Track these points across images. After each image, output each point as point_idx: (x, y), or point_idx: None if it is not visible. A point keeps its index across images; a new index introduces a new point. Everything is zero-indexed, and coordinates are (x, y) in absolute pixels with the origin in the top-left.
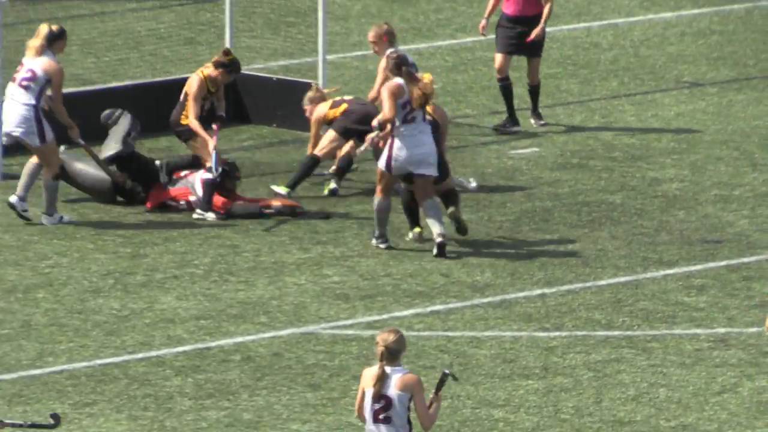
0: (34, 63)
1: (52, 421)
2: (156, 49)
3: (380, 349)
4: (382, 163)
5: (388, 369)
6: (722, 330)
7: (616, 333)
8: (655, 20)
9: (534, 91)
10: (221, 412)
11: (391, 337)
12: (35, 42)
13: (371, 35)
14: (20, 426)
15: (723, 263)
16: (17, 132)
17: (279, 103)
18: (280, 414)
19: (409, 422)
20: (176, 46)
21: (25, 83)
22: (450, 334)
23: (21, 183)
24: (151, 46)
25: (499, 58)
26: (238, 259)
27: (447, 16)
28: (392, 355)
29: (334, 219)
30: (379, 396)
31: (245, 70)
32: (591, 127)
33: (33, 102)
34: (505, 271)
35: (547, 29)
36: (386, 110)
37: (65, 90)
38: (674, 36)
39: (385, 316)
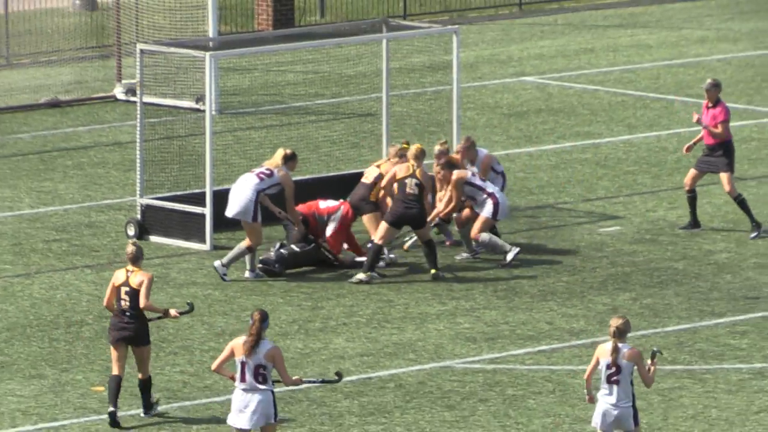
0: (275, 169)
1: (337, 378)
2: (330, 150)
3: (612, 329)
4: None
5: (619, 344)
6: (759, 365)
7: (678, 367)
8: None
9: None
10: (379, 427)
11: (621, 321)
12: (273, 161)
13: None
14: (314, 382)
15: (760, 314)
16: (237, 210)
17: None
18: (424, 428)
19: (631, 383)
20: (345, 149)
21: (262, 176)
22: (553, 367)
23: (229, 254)
24: (326, 148)
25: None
26: (392, 310)
27: (551, 127)
28: (621, 333)
29: (465, 279)
30: (614, 364)
31: None
32: (660, 211)
33: (260, 188)
34: (594, 320)
35: (627, 137)
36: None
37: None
38: None
39: (503, 354)
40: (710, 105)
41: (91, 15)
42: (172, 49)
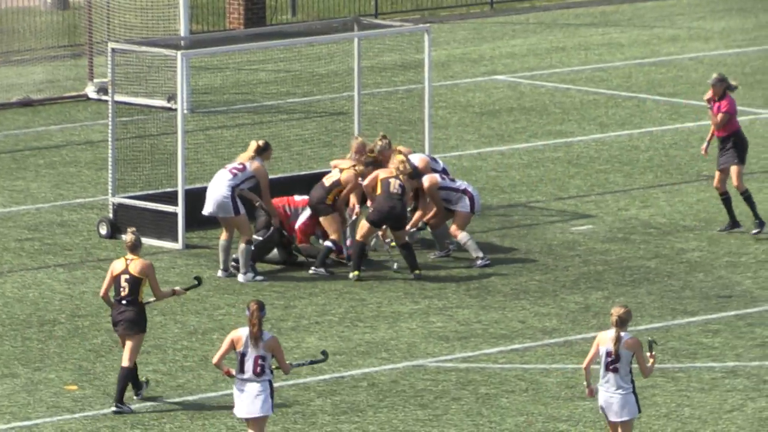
0: (247, 162)
1: (323, 357)
2: (302, 149)
3: (614, 318)
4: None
5: (621, 333)
6: (732, 363)
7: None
8: (681, 128)
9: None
10: (352, 425)
11: (622, 311)
12: (247, 155)
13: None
14: (303, 365)
15: (732, 313)
16: (214, 208)
17: None
18: (397, 427)
19: (630, 371)
20: (317, 147)
21: (234, 171)
22: (526, 366)
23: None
24: (298, 147)
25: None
26: (365, 309)
27: (523, 125)
28: (623, 322)
29: (438, 278)
30: (614, 352)
31: None
32: (632, 209)
33: (233, 184)
34: (567, 319)
35: (599, 136)
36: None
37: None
38: (696, 140)
39: (476, 353)
40: (716, 99)
41: (63, 14)
42: (144, 48)
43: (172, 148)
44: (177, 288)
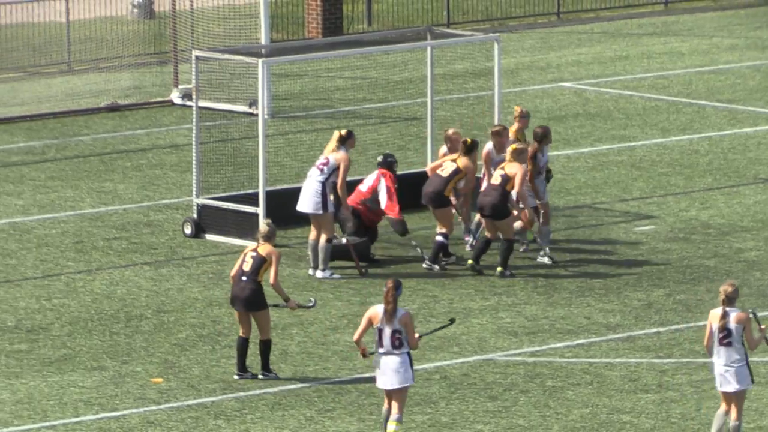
0: (331, 155)
1: (450, 322)
2: (377, 153)
3: (722, 296)
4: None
5: (728, 309)
6: None
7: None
8: (738, 133)
9: None
10: (425, 416)
11: (730, 288)
12: (330, 146)
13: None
14: (432, 332)
15: None
16: (305, 205)
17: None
18: (467, 417)
19: (743, 344)
20: (391, 151)
21: (321, 167)
22: (591, 360)
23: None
24: (373, 151)
25: None
26: (437, 305)
27: (588, 130)
28: (730, 299)
29: (506, 276)
30: (723, 328)
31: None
32: (692, 211)
33: (322, 180)
34: (630, 315)
35: (660, 140)
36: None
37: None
38: (753, 144)
39: (544, 347)
40: None
41: (149, 23)
42: (227, 56)
43: (254, 152)
44: (294, 302)
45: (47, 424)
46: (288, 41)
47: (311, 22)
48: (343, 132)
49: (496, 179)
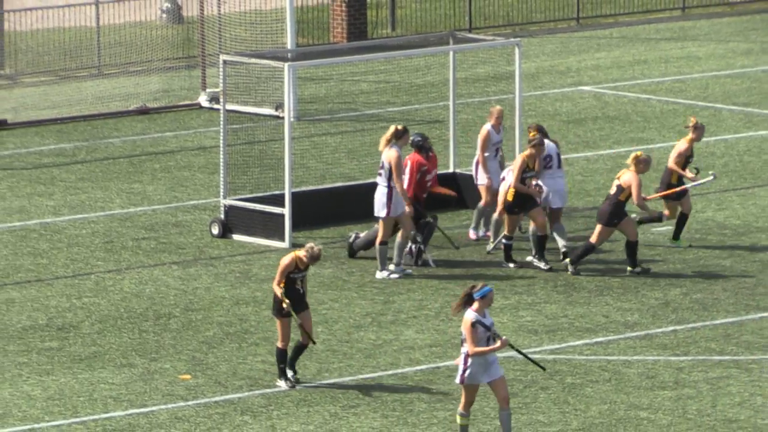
0: (383, 154)
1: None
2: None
3: None
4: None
5: None
6: None
7: (726, 357)
8: (754, 136)
9: None
10: (447, 413)
11: None
12: (383, 143)
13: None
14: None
15: None
16: (376, 208)
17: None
18: (488, 414)
19: None
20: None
21: (380, 171)
22: (609, 358)
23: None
24: None
25: None
26: None
27: (606, 133)
28: None
29: (527, 275)
30: None
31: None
32: (709, 212)
33: (383, 183)
34: (648, 314)
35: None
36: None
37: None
38: None
39: (563, 345)
40: None
41: (178, 28)
42: (253, 60)
43: (280, 154)
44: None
45: (77, 420)
46: (313, 46)
47: (336, 27)
48: (399, 126)
49: (612, 189)
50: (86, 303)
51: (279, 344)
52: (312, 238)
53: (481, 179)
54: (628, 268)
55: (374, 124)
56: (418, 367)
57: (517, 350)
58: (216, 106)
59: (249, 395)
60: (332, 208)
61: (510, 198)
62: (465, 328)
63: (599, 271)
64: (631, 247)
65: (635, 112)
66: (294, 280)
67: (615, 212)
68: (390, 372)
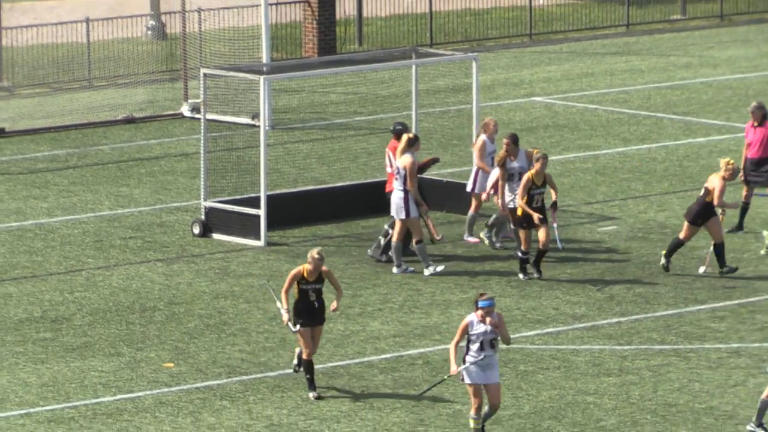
0: (399, 161)
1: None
2: (367, 161)
3: None
4: None
5: None
6: (736, 345)
7: (666, 347)
8: (693, 143)
9: None
10: (409, 399)
11: None
12: (398, 151)
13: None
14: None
15: (737, 301)
16: (393, 210)
17: (449, 195)
18: (447, 398)
19: None
20: (380, 159)
21: (396, 176)
22: (559, 347)
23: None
24: (364, 159)
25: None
26: (421, 298)
27: (557, 140)
28: None
29: (483, 271)
30: None
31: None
32: (650, 213)
33: (401, 186)
34: (594, 306)
35: (622, 149)
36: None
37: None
38: (705, 153)
39: (516, 335)
40: (755, 124)
41: (162, 44)
42: (231, 73)
43: (256, 159)
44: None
45: (69, 404)
46: (287, 60)
47: (308, 42)
48: (411, 135)
49: (702, 192)
50: (78, 297)
51: (304, 355)
52: (285, 237)
53: (478, 188)
54: (718, 270)
55: (343, 132)
56: (383, 356)
57: (437, 383)
58: (197, 116)
59: (227, 382)
60: (304, 209)
61: (519, 214)
62: (461, 325)
63: (550, 267)
64: (718, 248)
65: (583, 121)
66: (306, 291)
67: (700, 212)
68: (357, 360)
